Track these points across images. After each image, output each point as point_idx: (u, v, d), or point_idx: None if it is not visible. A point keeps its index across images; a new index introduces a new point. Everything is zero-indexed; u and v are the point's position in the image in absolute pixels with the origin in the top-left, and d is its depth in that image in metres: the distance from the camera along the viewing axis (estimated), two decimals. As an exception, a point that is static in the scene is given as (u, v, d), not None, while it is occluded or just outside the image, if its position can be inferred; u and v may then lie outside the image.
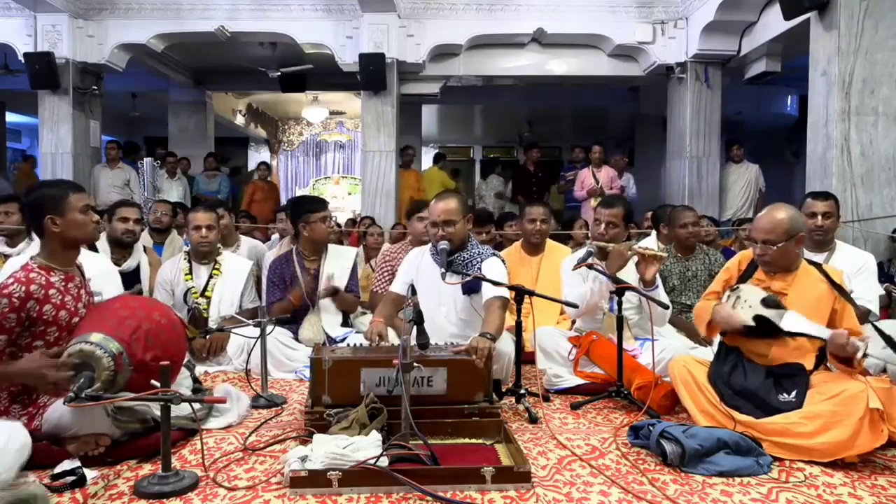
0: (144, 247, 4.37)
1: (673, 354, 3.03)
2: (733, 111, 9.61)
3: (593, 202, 7.17)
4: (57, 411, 2.27)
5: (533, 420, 2.81)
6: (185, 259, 3.97)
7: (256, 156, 15.10)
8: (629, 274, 3.23)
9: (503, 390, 2.97)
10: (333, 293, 3.89)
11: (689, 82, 7.34)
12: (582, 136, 11.66)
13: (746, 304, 2.64)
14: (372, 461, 2.10)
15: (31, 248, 3.56)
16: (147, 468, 2.25)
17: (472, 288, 3.11)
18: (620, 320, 3.03)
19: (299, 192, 14.37)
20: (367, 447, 2.17)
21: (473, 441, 2.54)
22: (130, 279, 3.99)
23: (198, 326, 3.73)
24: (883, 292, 3.62)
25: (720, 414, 2.57)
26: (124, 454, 2.31)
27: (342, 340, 3.71)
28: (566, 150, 12.42)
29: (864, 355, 2.38)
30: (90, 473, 2.14)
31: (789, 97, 11.13)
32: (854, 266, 3.40)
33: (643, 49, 7.52)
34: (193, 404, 2.28)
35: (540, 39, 7.70)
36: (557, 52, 7.90)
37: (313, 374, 2.60)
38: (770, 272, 2.72)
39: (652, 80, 8.04)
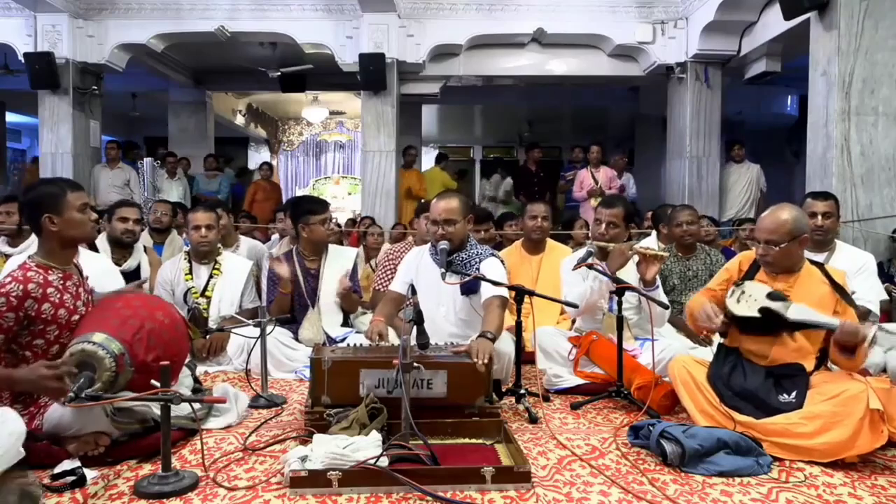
0: (144, 247, 4.37)
1: (673, 354, 3.02)
2: (733, 111, 9.60)
3: (593, 202, 7.17)
4: (57, 411, 2.27)
5: (533, 420, 2.81)
6: (185, 259, 3.98)
7: (256, 156, 15.11)
8: (629, 274, 3.23)
9: (503, 390, 2.97)
10: (350, 292, 3.88)
11: (689, 82, 7.34)
12: (582, 136, 11.64)
13: (752, 299, 2.62)
14: (372, 461, 2.09)
15: (33, 247, 3.55)
16: (147, 468, 2.25)
17: (470, 289, 3.11)
18: (620, 320, 3.03)
19: (299, 193, 14.35)
20: (367, 447, 2.17)
21: (473, 441, 2.54)
22: (131, 279, 3.96)
23: (198, 326, 3.72)
24: (885, 294, 3.60)
25: (720, 414, 2.56)
26: (124, 454, 2.31)
27: (342, 340, 3.70)
28: (566, 150, 12.42)
29: (872, 343, 2.36)
30: (90, 473, 2.14)
31: (789, 97, 11.13)
32: (854, 266, 3.39)
33: (643, 49, 7.52)
34: (193, 404, 2.28)
35: (540, 39, 7.70)
36: (557, 52, 7.89)
37: (313, 374, 2.60)
38: (772, 273, 2.70)
39: (652, 80, 8.04)
